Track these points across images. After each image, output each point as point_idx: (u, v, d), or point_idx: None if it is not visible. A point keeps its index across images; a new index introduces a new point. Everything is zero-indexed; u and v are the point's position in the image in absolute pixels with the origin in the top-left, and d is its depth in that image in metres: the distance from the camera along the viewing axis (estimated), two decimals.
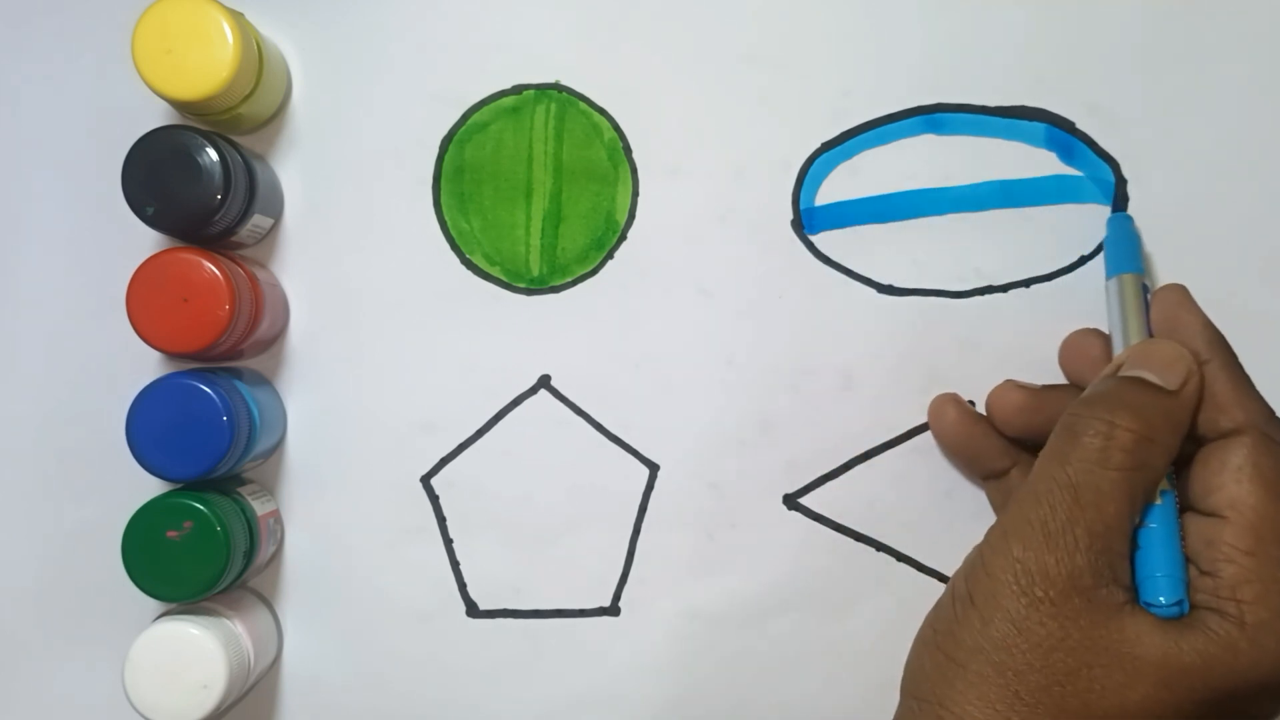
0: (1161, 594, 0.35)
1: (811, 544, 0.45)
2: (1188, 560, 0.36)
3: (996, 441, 0.42)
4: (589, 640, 0.45)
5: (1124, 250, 0.42)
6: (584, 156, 0.45)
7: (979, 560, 0.36)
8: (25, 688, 0.45)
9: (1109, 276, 0.42)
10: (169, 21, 0.39)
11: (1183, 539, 0.36)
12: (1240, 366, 0.38)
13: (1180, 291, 0.40)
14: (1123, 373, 0.38)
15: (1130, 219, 0.44)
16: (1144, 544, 0.36)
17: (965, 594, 0.35)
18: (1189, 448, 0.37)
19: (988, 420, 0.43)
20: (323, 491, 0.45)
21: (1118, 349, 0.40)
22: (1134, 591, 0.35)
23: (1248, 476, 0.35)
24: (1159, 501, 0.36)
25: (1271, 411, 0.37)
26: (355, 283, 0.45)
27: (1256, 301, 0.44)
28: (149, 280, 0.40)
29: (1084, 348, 0.42)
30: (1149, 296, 0.41)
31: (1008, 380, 0.43)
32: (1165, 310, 0.40)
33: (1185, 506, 0.37)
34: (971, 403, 0.44)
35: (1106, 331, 0.42)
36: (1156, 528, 0.36)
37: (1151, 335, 0.40)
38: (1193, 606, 0.35)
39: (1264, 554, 0.34)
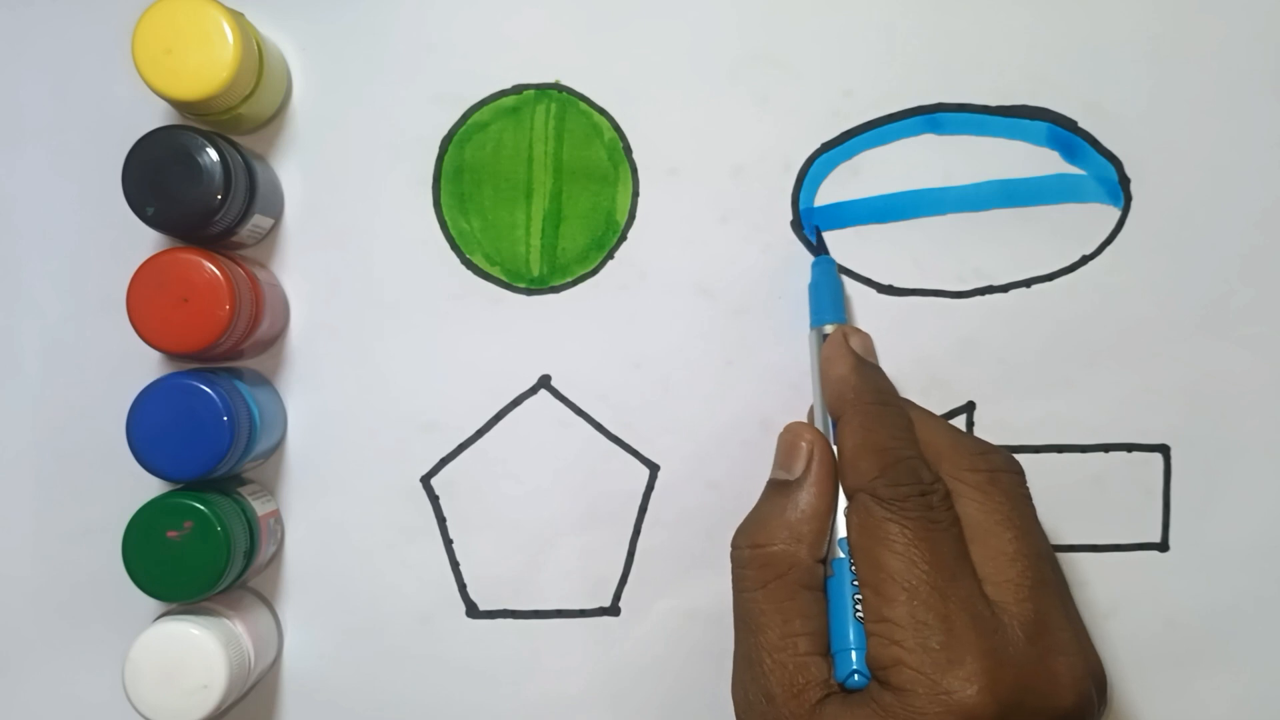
0: (842, 669, 0.36)
1: None
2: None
3: None
4: (589, 640, 0.45)
5: (821, 299, 0.43)
6: (584, 156, 0.45)
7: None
8: (25, 688, 0.45)
9: (811, 328, 0.43)
10: (169, 21, 0.39)
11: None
12: (879, 412, 0.38)
13: (836, 341, 0.41)
14: (771, 476, 0.39)
15: (833, 263, 0.44)
16: (831, 621, 0.37)
17: None
18: None
19: None
20: (323, 491, 0.45)
21: (816, 414, 0.41)
22: (833, 679, 0.36)
23: (860, 546, 0.36)
24: (831, 574, 0.37)
25: (893, 460, 0.37)
26: (356, 283, 0.45)
27: (1255, 301, 0.44)
28: (149, 280, 0.40)
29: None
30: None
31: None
32: (822, 365, 0.40)
33: None
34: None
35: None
36: (833, 603, 0.37)
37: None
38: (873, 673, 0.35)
39: (893, 616, 0.34)
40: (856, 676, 0.35)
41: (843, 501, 0.38)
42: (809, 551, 0.37)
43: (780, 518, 0.37)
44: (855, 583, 0.36)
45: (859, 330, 0.42)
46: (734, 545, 0.38)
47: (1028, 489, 0.38)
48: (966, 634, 0.34)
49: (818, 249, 0.44)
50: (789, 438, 0.39)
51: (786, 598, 0.36)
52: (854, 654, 0.35)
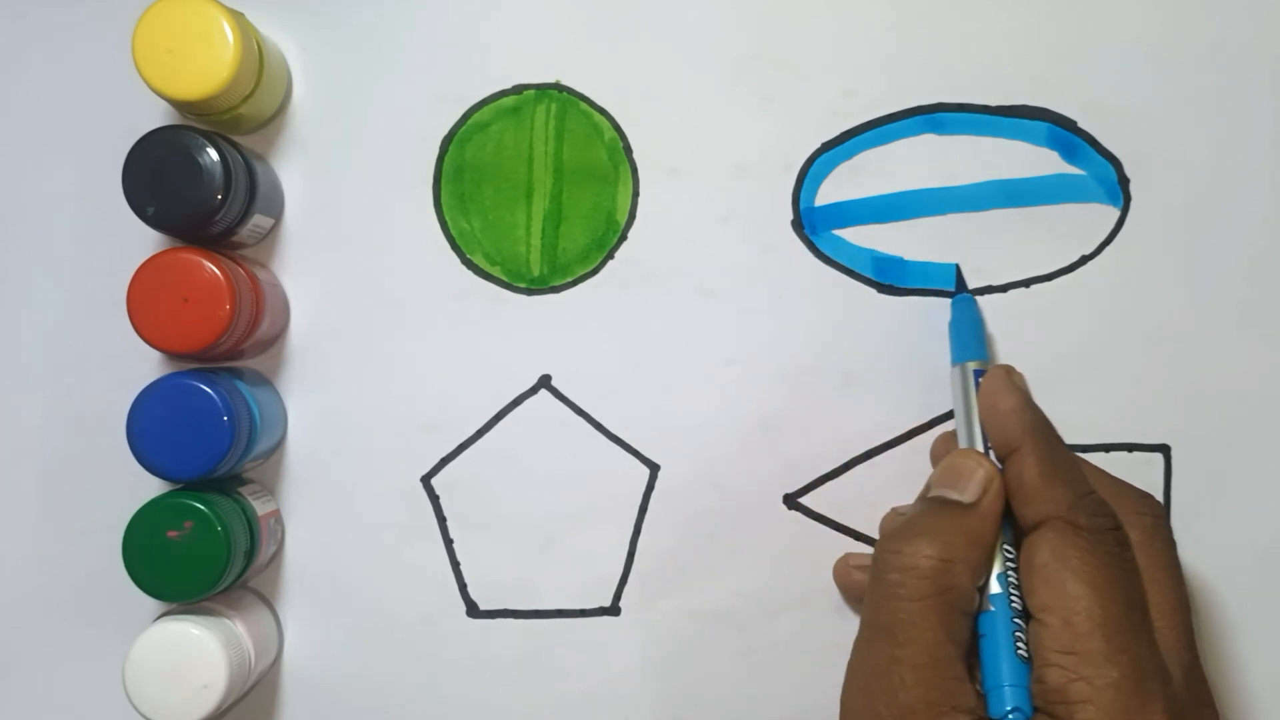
0: (997, 706, 0.35)
1: (811, 544, 0.45)
2: (1030, 662, 0.35)
3: None
4: (589, 640, 0.45)
5: (965, 336, 0.43)
6: (584, 156, 0.45)
7: (839, 715, 0.36)
8: (25, 688, 0.45)
9: (953, 364, 0.43)
10: (169, 21, 0.39)
11: (1024, 642, 0.35)
12: (1055, 448, 0.38)
13: (998, 376, 0.40)
14: (930, 493, 0.38)
15: (973, 301, 0.44)
16: (982, 656, 0.36)
17: None
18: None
19: None
20: (323, 491, 0.45)
21: (962, 444, 0.40)
22: (981, 710, 0.35)
23: (1053, 574, 0.35)
24: (990, 609, 0.36)
25: (1084, 492, 0.36)
26: (356, 283, 0.45)
27: (1255, 301, 0.44)
28: (149, 280, 0.40)
29: (942, 454, 0.42)
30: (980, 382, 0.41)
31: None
32: (986, 399, 0.40)
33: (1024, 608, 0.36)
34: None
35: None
36: (987, 637, 0.36)
37: (983, 428, 0.40)
38: (1036, 711, 0.34)
39: (1084, 650, 0.33)
40: (1015, 714, 0.34)
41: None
42: (971, 577, 0.36)
43: (948, 535, 0.36)
44: (1016, 619, 0.36)
45: (1014, 368, 0.42)
46: (891, 549, 0.36)
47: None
48: (1153, 680, 0.33)
49: (958, 287, 0.44)
50: (965, 461, 0.38)
51: (943, 617, 0.35)
52: (1007, 689, 0.34)
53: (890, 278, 0.45)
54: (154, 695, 0.39)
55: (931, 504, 0.38)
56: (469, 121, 0.45)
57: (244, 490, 0.43)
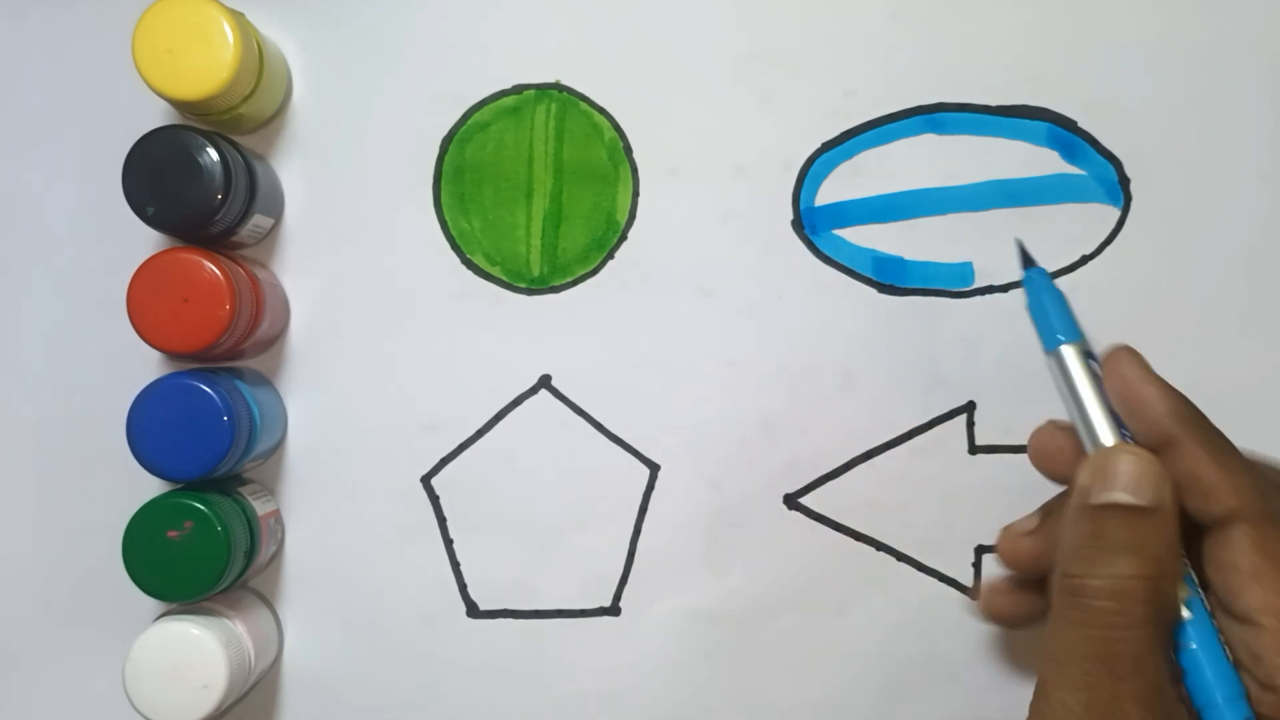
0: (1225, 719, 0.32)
1: (811, 544, 0.45)
2: (1238, 666, 0.33)
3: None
4: (589, 640, 0.45)
5: (1054, 315, 0.37)
6: (584, 156, 0.45)
7: None
8: (25, 688, 0.45)
9: (1046, 351, 0.37)
10: (169, 21, 0.39)
11: (1226, 645, 0.33)
12: (1215, 432, 0.35)
13: (1133, 361, 0.36)
14: (1092, 499, 0.34)
15: (1047, 275, 0.38)
16: (1189, 668, 0.33)
17: None
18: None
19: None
20: (323, 491, 0.45)
21: (1086, 444, 0.36)
22: None
23: (1263, 571, 0.32)
24: (1188, 615, 0.33)
25: (1260, 474, 0.34)
26: (356, 283, 0.45)
27: (1255, 301, 0.44)
28: (149, 280, 0.40)
29: (1053, 449, 0.38)
30: (1098, 368, 0.37)
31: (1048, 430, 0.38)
32: (1121, 388, 0.36)
33: (1213, 604, 0.34)
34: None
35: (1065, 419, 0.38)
36: (1196, 649, 0.33)
37: (1117, 419, 0.36)
38: (1259, 718, 0.32)
39: None
40: None
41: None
42: (1175, 590, 0.33)
43: (1146, 548, 0.32)
44: (1214, 622, 0.33)
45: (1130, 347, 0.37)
46: (1092, 573, 0.33)
47: None
48: None
49: (1026, 261, 0.39)
50: (1124, 457, 0.34)
51: (1160, 640, 0.32)
52: (1225, 705, 0.32)
53: (890, 278, 0.45)
54: (154, 695, 0.39)
55: (1107, 514, 0.33)
56: (469, 121, 0.45)
57: (244, 490, 0.43)
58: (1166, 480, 0.33)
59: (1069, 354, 0.37)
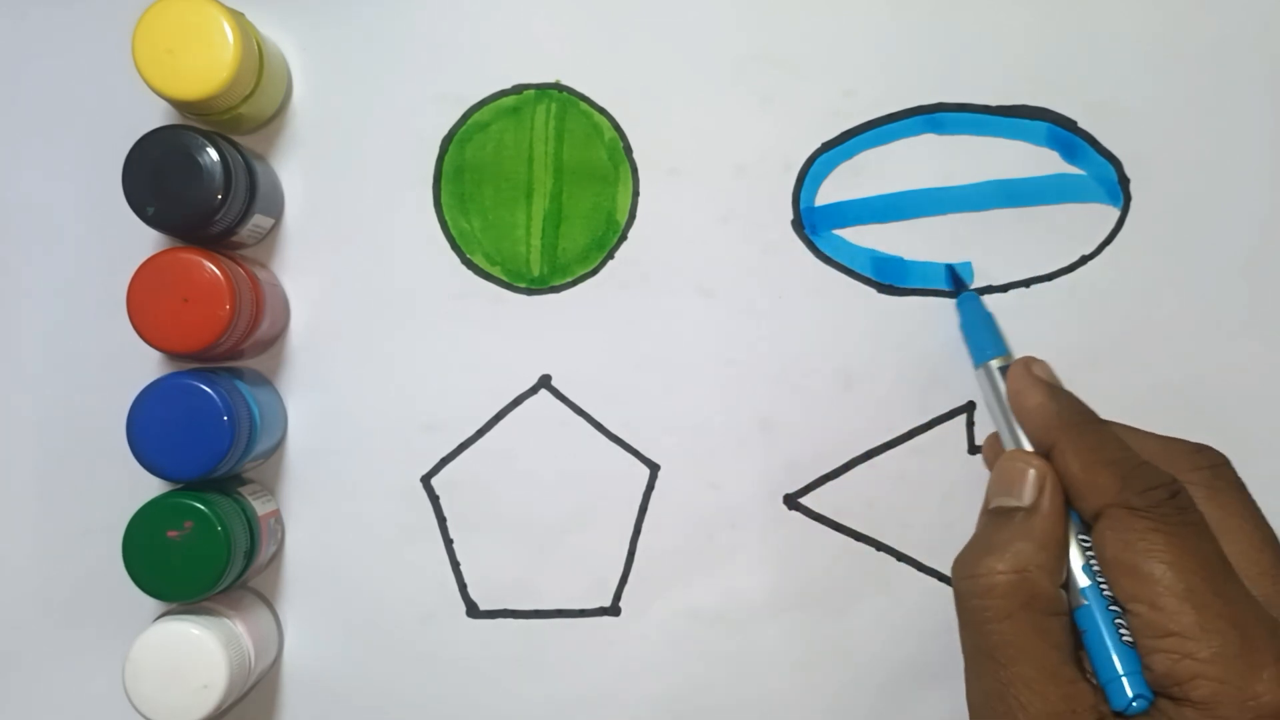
0: (1118, 698, 0.34)
1: (811, 544, 0.45)
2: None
3: None
4: (589, 640, 0.45)
5: (979, 335, 0.42)
6: (584, 156, 0.45)
7: None
8: (25, 688, 0.45)
9: (975, 366, 0.42)
10: (169, 21, 0.39)
11: (1126, 626, 0.35)
12: (1091, 433, 0.37)
13: (1019, 374, 0.40)
14: (989, 506, 0.38)
15: (978, 298, 0.43)
16: (1090, 650, 0.35)
17: None
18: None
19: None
20: (323, 491, 0.45)
21: (1007, 446, 0.40)
22: (1102, 705, 0.34)
23: (1124, 562, 0.35)
24: (1084, 603, 0.36)
25: (1129, 470, 0.36)
26: (356, 283, 0.45)
27: (1255, 301, 0.44)
28: (149, 280, 0.40)
29: (993, 459, 0.42)
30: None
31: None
32: (1013, 398, 0.40)
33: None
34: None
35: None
36: (1089, 632, 0.35)
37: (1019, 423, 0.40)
38: (1155, 696, 0.34)
39: (1179, 628, 0.33)
40: (1138, 702, 0.34)
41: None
42: (1050, 579, 0.36)
43: (1015, 545, 0.36)
44: (1112, 606, 0.35)
45: (1035, 359, 0.41)
46: (964, 575, 0.36)
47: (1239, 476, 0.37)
48: (1258, 634, 0.33)
49: (958, 287, 0.44)
50: (1013, 464, 0.38)
51: (1036, 626, 0.35)
52: (1125, 680, 0.34)
53: (890, 278, 0.45)
54: (154, 695, 0.39)
55: (992, 517, 0.38)
56: (469, 121, 0.45)
57: (244, 490, 0.43)
58: (1048, 481, 0.37)
59: (986, 371, 0.42)
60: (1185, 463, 0.37)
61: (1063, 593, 0.36)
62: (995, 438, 0.42)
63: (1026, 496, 0.37)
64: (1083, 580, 0.36)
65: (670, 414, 0.45)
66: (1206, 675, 0.32)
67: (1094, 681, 0.35)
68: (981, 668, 0.35)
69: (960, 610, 0.36)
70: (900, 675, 0.45)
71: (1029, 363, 0.41)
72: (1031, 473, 0.37)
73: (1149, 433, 0.39)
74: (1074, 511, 0.37)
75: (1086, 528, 0.37)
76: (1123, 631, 0.35)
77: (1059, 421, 0.38)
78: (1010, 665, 0.34)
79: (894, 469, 0.45)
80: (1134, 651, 0.35)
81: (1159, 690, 0.34)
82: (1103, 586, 0.36)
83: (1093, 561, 0.36)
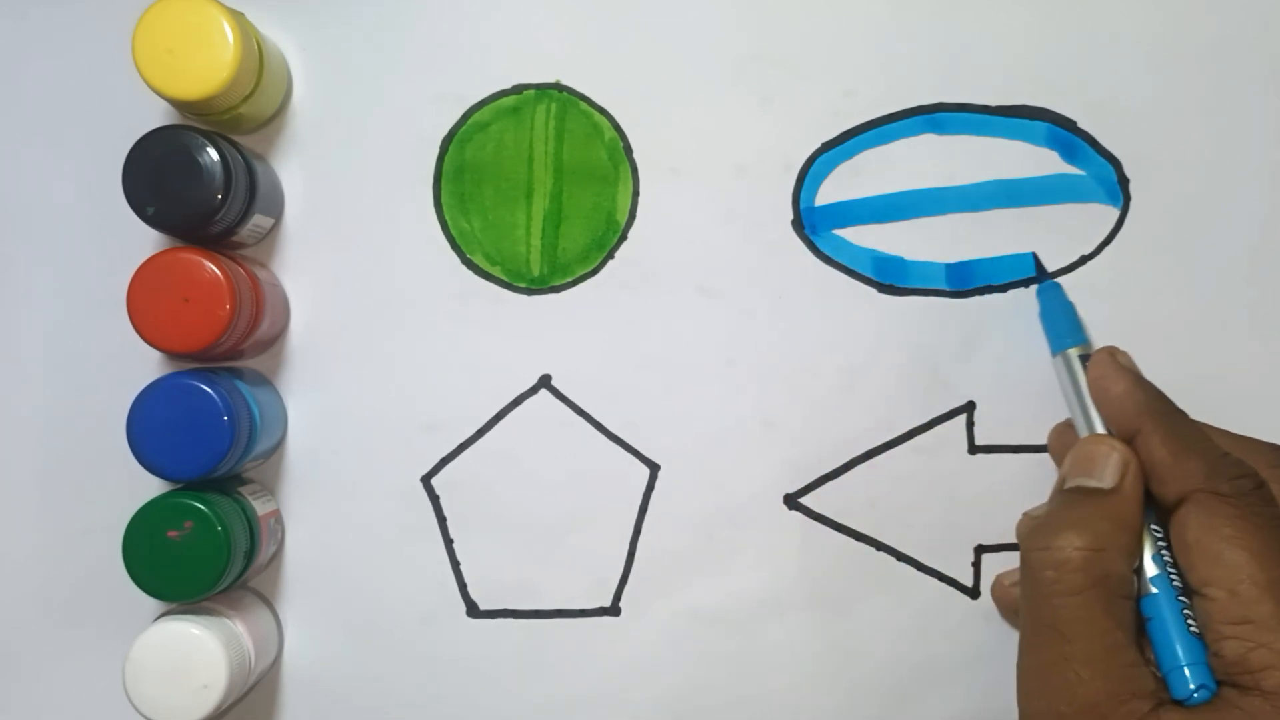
0: (1180, 688, 0.35)
1: (811, 544, 0.45)
2: (1202, 638, 0.36)
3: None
4: (589, 640, 0.45)
5: (1059, 324, 0.43)
6: (585, 156, 0.45)
7: None
8: (25, 688, 0.45)
9: (1052, 354, 0.43)
10: (169, 21, 0.39)
11: (1193, 617, 0.36)
12: (1176, 421, 0.38)
13: (1104, 362, 0.40)
14: (1067, 485, 0.38)
15: (1059, 288, 0.43)
16: (1154, 639, 0.36)
17: None
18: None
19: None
20: (323, 491, 0.45)
21: (1082, 433, 0.40)
22: (1161, 692, 0.35)
23: (1207, 547, 0.35)
24: (1153, 591, 0.36)
25: (1217, 458, 0.36)
26: (356, 282, 0.45)
27: (1255, 301, 0.44)
28: (150, 280, 0.40)
29: (1061, 446, 0.42)
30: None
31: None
32: (1096, 386, 0.40)
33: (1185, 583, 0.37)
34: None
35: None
36: (1155, 620, 0.36)
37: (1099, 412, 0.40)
38: (1219, 684, 0.34)
39: (1257, 617, 0.33)
40: (1200, 692, 0.34)
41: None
42: (1126, 561, 0.36)
43: (1094, 523, 0.36)
44: (1180, 597, 0.36)
45: (1118, 348, 0.42)
46: (1039, 547, 0.36)
47: None
48: None
49: (1040, 275, 0.44)
50: (1096, 447, 0.38)
51: (1106, 605, 0.35)
52: (1187, 670, 0.35)
53: (890, 278, 0.45)
54: (154, 695, 0.39)
55: (1071, 495, 0.38)
56: (469, 121, 0.45)
57: (244, 490, 0.43)
58: (1130, 466, 0.37)
59: (1065, 359, 0.42)
60: (1264, 460, 0.37)
61: (1134, 579, 0.36)
62: (1064, 425, 0.43)
63: (1109, 479, 0.37)
64: (1151, 569, 0.36)
65: (670, 414, 0.45)
66: None
67: (1154, 670, 0.35)
68: (1043, 640, 0.35)
69: (1029, 581, 0.36)
70: (900, 675, 0.45)
71: (1113, 351, 0.41)
72: (1116, 456, 0.37)
73: (1225, 430, 0.40)
74: (1148, 505, 0.37)
75: (1157, 518, 0.37)
76: (1189, 623, 0.35)
77: (1145, 408, 0.38)
78: (1074, 640, 0.35)
79: (894, 469, 0.45)
80: (1199, 642, 0.35)
81: (1225, 678, 0.34)
82: (1171, 576, 0.36)
83: (1163, 551, 0.37)
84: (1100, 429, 0.40)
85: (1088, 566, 0.35)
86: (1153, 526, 0.37)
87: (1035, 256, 0.44)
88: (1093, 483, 0.37)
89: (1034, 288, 0.44)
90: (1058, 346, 0.42)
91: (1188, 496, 0.36)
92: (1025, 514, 0.44)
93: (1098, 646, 0.34)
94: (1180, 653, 0.35)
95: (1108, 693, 0.34)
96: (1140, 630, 0.36)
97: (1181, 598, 0.36)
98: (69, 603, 0.45)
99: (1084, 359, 0.41)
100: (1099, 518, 0.36)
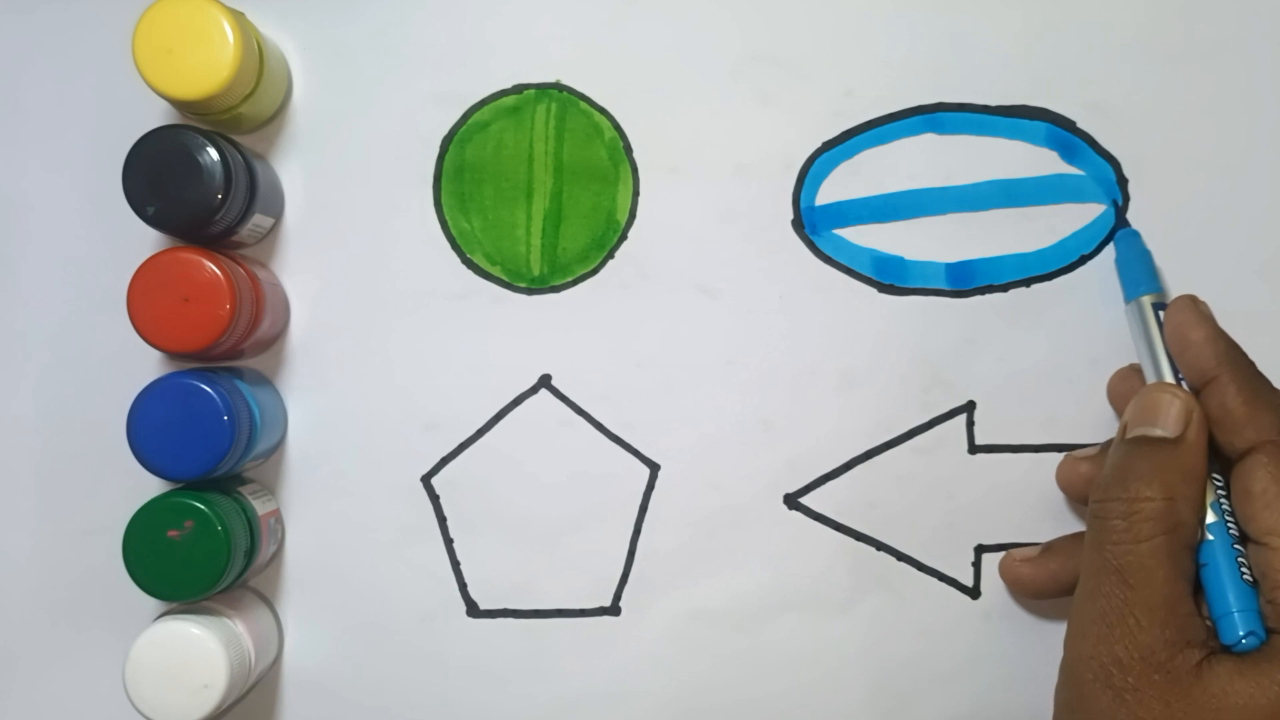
0: (1229, 633, 0.36)
1: (811, 544, 0.45)
2: (1257, 585, 0.36)
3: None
4: (589, 640, 0.45)
5: (1134, 271, 0.42)
6: (585, 156, 0.45)
7: (1063, 667, 0.37)
8: (25, 688, 0.45)
9: (1126, 301, 0.43)
10: (169, 21, 0.39)
11: (1247, 566, 0.37)
12: (1252, 373, 0.39)
13: (1185, 308, 0.40)
14: (1128, 434, 0.38)
15: (1137, 235, 0.43)
16: (1206, 585, 0.37)
17: (1063, 704, 0.37)
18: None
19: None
20: (323, 491, 0.45)
21: (1150, 380, 0.41)
22: (1212, 641, 0.36)
23: (1274, 498, 0.36)
24: (1209, 538, 0.37)
25: None
26: (356, 282, 0.45)
27: (1256, 301, 0.44)
28: (150, 280, 0.40)
29: (1125, 391, 0.43)
30: (1161, 316, 0.41)
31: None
32: (1173, 331, 0.40)
33: (1242, 532, 0.37)
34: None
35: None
36: (1210, 566, 0.37)
37: (1170, 360, 0.40)
38: (1269, 632, 0.35)
39: None
40: (1249, 639, 0.35)
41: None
42: (1193, 511, 0.37)
43: (1164, 474, 0.37)
44: (1236, 545, 0.37)
45: (1197, 297, 0.42)
46: (1108, 496, 0.37)
47: None
48: None
49: (1119, 223, 0.44)
50: (1160, 395, 0.38)
51: (1172, 555, 0.36)
52: (1239, 615, 0.35)
53: (890, 277, 0.45)
54: (154, 695, 0.39)
55: (1137, 445, 0.38)
56: (469, 121, 0.45)
57: (244, 490, 0.43)
58: (1194, 415, 0.38)
59: (1138, 306, 0.42)
60: None
61: (1199, 528, 0.37)
62: (1126, 370, 0.43)
63: (1173, 427, 0.37)
64: (1210, 516, 0.37)
65: (670, 414, 0.45)
66: None
67: (1207, 620, 0.36)
68: (1105, 587, 0.36)
69: (1096, 529, 0.37)
70: (900, 675, 0.45)
71: (1194, 299, 0.41)
72: (1179, 404, 0.38)
73: None
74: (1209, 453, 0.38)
75: (1217, 466, 0.38)
76: (1244, 571, 0.36)
77: (1224, 357, 0.38)
78: (1139, 588, 0.35)
79: (894, 469, 0.45)
80: (1252, 591, 0.36)
81: (1278, 625, 0.35)
82: (1229, 524, 0.37)
83: (1222, 500, 0.37)
84: (1169, 378, 0.40)
85: (1159, 516, 0.36)
86: (1213, 476, 0.38)
87: (1115, 203, 0.44)
88: (1157, 431, 0.38)
89: (1118, 235, 0.44)
90: (1132, 293, 0.42)
91: (1258, 445, 0.37)
92: (1068, 455, 0.43)
93: (1159, 595, 0.35)
94: (1232, 599, 0.36)
95: (1165, 640, 0.35)
96: (1195, 580, 0.37)
97: (1237, 546, 0.37)
98: (69, 603, 0.45)
99: (1157, 308, 0.41)
100: (1168, 468, 0.37)
